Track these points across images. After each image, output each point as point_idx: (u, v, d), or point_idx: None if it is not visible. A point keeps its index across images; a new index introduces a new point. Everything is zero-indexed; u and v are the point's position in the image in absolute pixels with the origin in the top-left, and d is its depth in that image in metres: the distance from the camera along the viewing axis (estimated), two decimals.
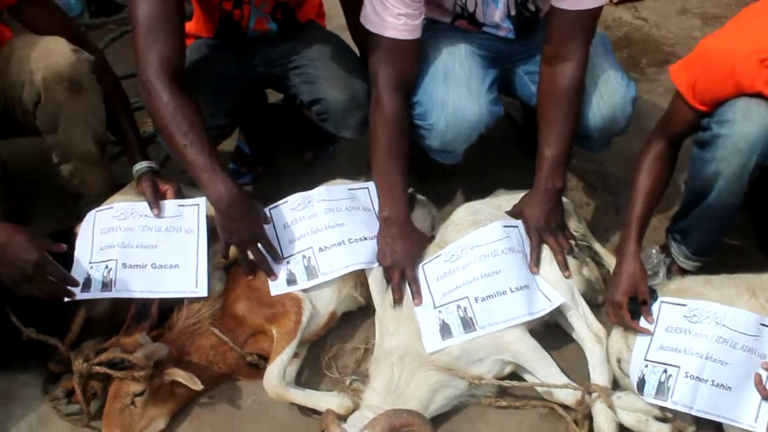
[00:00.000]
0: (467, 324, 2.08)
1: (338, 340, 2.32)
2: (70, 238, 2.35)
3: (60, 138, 2.33)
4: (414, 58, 2.21)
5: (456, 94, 2.18)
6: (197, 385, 2.04)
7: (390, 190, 2.23)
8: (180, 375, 2.05)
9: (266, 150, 2.89)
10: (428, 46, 2.23)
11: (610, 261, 2.37)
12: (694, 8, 3.47)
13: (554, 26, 2.15)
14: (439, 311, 2.11)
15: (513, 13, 2.26)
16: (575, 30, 2.13)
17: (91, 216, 2.33)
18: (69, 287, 2.11)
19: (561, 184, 2.23)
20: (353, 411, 2.05)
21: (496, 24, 2.29)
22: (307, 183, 2.70)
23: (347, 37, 2.62)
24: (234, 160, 2.85)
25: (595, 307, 2.26)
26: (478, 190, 2.56)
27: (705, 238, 2.24)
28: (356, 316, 2.35)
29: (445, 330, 2.09)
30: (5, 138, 2.51)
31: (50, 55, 2.19)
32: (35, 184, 2.80)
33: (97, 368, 2.06)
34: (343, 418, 2.00)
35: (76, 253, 2.27)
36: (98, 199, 2.51)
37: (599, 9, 2.12)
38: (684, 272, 2.33)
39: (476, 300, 2.10)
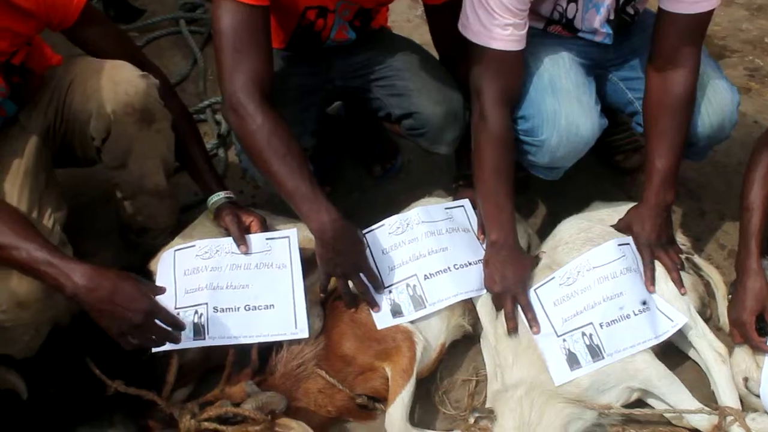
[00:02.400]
0: (595, 352, 1.97)
1: (446, 372, 2.19)
2: (144, 275, 2.20)
3: (130, 174, 2.16)
4: (520, 70, 2.08)
5: (567, 108, 2.06)
6: None
7: (497, 212, 2.10)
8: (294, 427, 1.91)
9: (331, 167, 2.74)
10: (528, 55, 2.09)
11: (711, 274, 2.28)
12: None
13: (665, 31, 2.03)
14: (564, 340, 2.00)
15: (612, 17, 2.14)
16: (688, 35, 2.02)
17: (169, 255, 2.16)
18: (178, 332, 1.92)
19: (672, 198, 2.13)
20: None
21: (593, 29, 2.17)
22: (379, 198, 2.61)
23: None
24: None
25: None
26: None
27: None
28: (459, 344, 2.22)
29: (573, 360, 1.97)
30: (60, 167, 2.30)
31: (120, 84, 2.00)
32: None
33: (206, 424, 1.91)
34: None
35: (157, 298, 2.11)
36: (165, 232, 2.35)
37: (712, 12, 2.02)
38: None
39: (601, 326, 1.99)
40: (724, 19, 3.24)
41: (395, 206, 2.37)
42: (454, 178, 2.41)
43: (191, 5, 3.46)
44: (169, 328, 1.88)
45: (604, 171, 2.67)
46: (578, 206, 2.35)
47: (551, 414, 1.93)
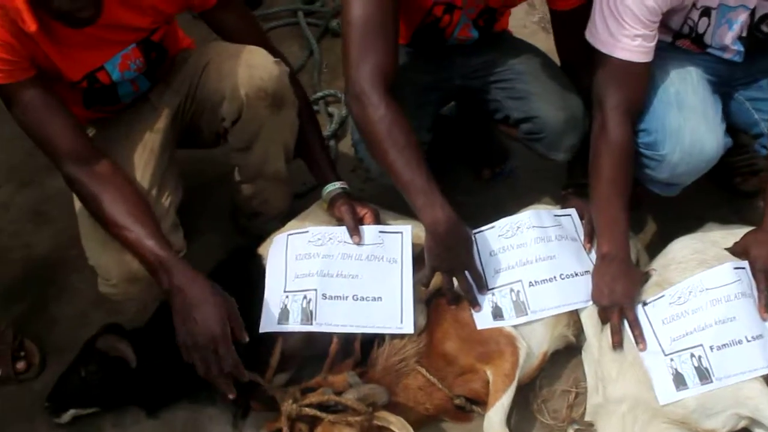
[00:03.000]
0: (703, 375, 1.93)
1: (546, 382, 2.18)
2: (254, 258, 2.26)
3: (253, 157, 2.21)
4: (645, 82, 2.06)
5: (693, 124, 2.02)
6: None
7: (612, 224, 2.08)
8: (393, 420, 1.93)
9: (439, 167, 2.75)
10: (654, 68, 2.06)
11: None
12: None
13: None
14: (671, 359, 1.96)
15: (744, 34, 2.09)
16: None
17: (282, 239, 2.21)
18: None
19: None
20: None
21: (724, 46, 2.12)
22: (486, 202, 2.60)
23: None
24: None
25: None
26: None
27: None
28: (561, 355, 2.21)
29: (680, 380, 1.94)
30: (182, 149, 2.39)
31: (255, 68, 2.05)
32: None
33: (307, 410, 1.95)
34: None
35: (268, 280, 2.16)
36: (276, 218, 2.40)
37: None
38: None
39: (711, 349, 1.94)
40: None
41: (502, 212, 2.35)
42: (564, 186, 2.38)
43: None
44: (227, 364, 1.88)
45: (720, 193, 2.60)
46: (690, 227, 2.29)
47: None
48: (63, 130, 1.93)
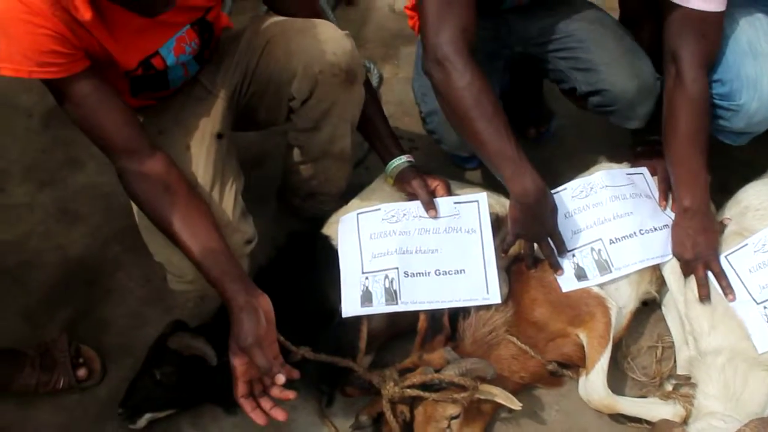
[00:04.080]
0: None
1: (630, 340, 2.18)
2: (322, 241, 2.19)
3: (321, 136, 2.12)
4: (720, 32, 2.03)
5: None
6: (516, 404, 1.90)
7: (692, 178, 2.06)
8: (497, 392, 1.91)
9: None
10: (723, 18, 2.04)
11: None
12: None
13: None
14: (765, 307, 1.97)
15: None
16: None
17: (352, 218, 2.15)
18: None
19: None
20: (686, 419, 1.93)
21: None
22: (534, 163, 2.56)
23: None
24: None
25: None
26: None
27: None
28: (641, 312, 2.20)
29: None
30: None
31: (326, 43, 1.95)
32: None
33: (409, 392, 1.91)
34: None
35: (343, 263, 2.10)
36: (335, 198, 2.33)
37: None
38: None
39: None
40: None
41: (554, 171, 2.34)
42: (632, 144, 2.35)
43: None
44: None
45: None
46: (750, 175, 2.29)
47: (756, 382, 1.92)
48: (119, 124, 1.80)
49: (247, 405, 1.80)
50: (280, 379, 1.76)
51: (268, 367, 1.74)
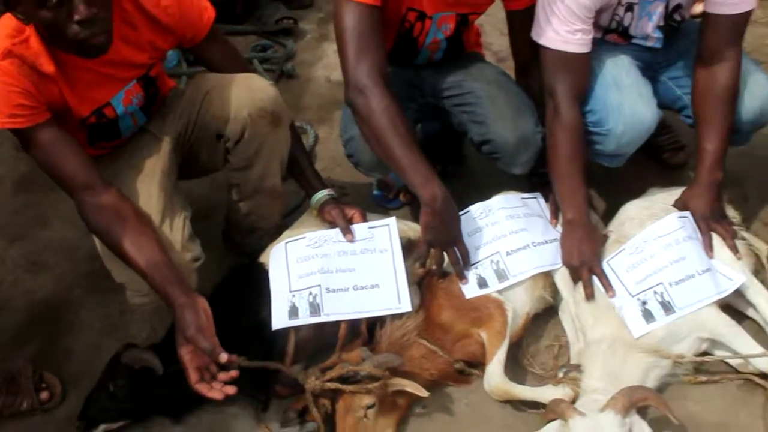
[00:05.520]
0: (667, 307, 2.24)
1: (531, 340, 2.45)
2: (256, 268, 2.48)
3: (254, 173, 2.44)
4: (588, 70, 2.40)
5: (630, 100, 2.36)
6: (423, 392, 2.16)
7: (573, 194, 2.40)
8: (406, 383, 2.17)
9: None
10: (592, 59, 2.41)
11: (759, 246, 2.53)
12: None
13: (711, 31, 2.35)
14: (638, 299, 2.27)
15: (661, 24, 2.47)
16: (731, 32, 2.34)
17: (281, 247, 2.44)
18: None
19: (721, 176, 2.41)
20: (574, 399, 2.19)
21: (646, 35, 2.50)
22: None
23: None
24: (380, 187, 2.98)
25: None
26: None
27: None
28: (541, 317, 2.49)
29: (648, 315, 2.24)
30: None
31: (254, 91, 2.31)
32: None
33: (329, 384, 2.16)
34: None
35: (273, 284, 2.38)
36: (270, 232, 2.63)
37: (750, 12, 2.35)
38: None
39: (670, 285, 2.26)
40: (749, 36, 3.53)
41: (462, 204, 2.61)
42: (528, 176, 2.66)
43: (262, 47, 3.81)
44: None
45: (655, 168, 2.97)
46: (635, 196, 2.62)
47: (633, 362, 2.19)
48: (77, 165, 2.15)
49: (202, 388, 2.05)
50: (223, 357, 2.02)
51: (211, 348, 2.01)
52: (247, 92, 2.31)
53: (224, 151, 2.41)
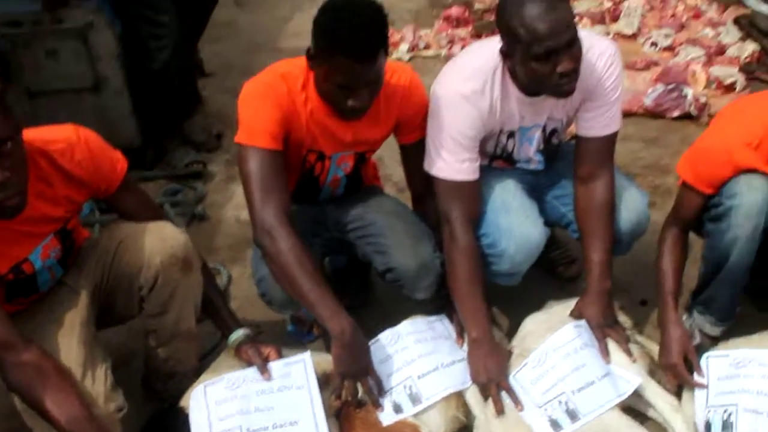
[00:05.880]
0: (572, 415, 2.37)
1: None
2: (176, 413, 2.52)
3: (169, 318, 2.51)
4: (478, 196, 2.60)
5: (518, 221, 2.56)
6: None
7: (475, 314, 2.54)
8: None
9: None
10: (481, 185, 2.62)
11: (650, 347, 2.70)
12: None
13: (584, 152, 2.60)
14: (545, 409, 2.39)
15: (541, 147, 2.71)
16: (602, 152, 2.60)
17: (200, 390, 2.48)
18: None
19: (610, 285, 2.61)
20: None
21: (528, 159, 2.73)
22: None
23: None
24: (294, 322, 3.07)
25: None
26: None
27: (726, 303, 2.63)
28: None
29: (555, 424, 2.37)
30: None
31: (166, 239, 2.41)
32: None
33: None
34: None
35: (194, 429, 2.42)
36: (188, 375, 2.67)
37: (617, 132, 2.61)
38: (711, 339, 2.69)
39: (573, 392, 2.40)
40: (624, 149, 3.85)
41: (371, 335, 2.70)
42: (431, 299, 2.78)
43: (172, 191, 3.93)
44: None
45: (552, 282, 3.16)
46: (535, 311, 2.78)
47: None
48: None
49: None
50: None
51: None
52: (158, 241, 2.41)
53: (139, 298, 2.49)
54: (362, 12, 2.31)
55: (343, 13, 2.30)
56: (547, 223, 2.73)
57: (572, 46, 2.31)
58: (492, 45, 2.50)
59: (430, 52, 5.17)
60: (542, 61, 2.30)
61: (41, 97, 3.81)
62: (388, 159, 3.69)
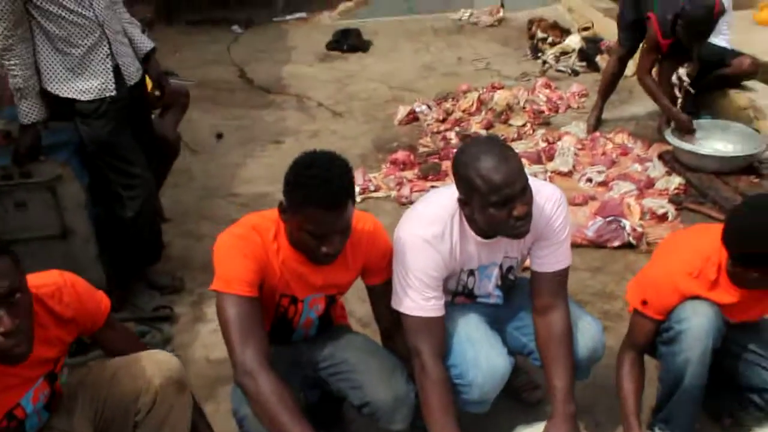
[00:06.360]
0: None
1: None
2: None
3: None
4: (444, 329, 2.77)
5: (484, 352, 2.73)
6: None
7: None
8: None
9: None
10: (446, 320, 2.79)
11: None
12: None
13: (539, 286, 2.82)
14: None
15: (499, 283, 2.91)
16: (556, 285, 2.82)
17: None
18: None
19: (574, 409, 2.77)
20: None
21: (487, 294, 2.93)
22: None
23: None
24: None
25: None
26: None
27: (685, 420, 2.83)
28: None
29: None
30: None
31: (161, 362, 2.55)
32: None
33: None
34: None
35: None
36: None
37: (568, 267, 2.83)
38: None
39: None
40: (572, 278, 4.02)
41: None
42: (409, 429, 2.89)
43: (140, 333, 3.95)
44: None
45: (518, 407, 3.31)
46: None
47: None
48: None
49: None
50: None
51: None
52: (155, 364, 2.54)
53: (134, 425, 2.56)
54: (330, 166, 2.54)
55: (312, 169, 2.53)
56: (510, 352, 2.91)
57: (525, 193, 2.57)
58: (448, 193, 2.76)
59: (380, 194, 5.42)
60: (499, 207, 2.55)
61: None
62: (351, 296, 3.80)
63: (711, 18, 5.20)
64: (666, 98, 5.64)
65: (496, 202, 2.54)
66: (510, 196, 2.52)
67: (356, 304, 3.76)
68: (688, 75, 5.65)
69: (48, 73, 3.70)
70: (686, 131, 5.53)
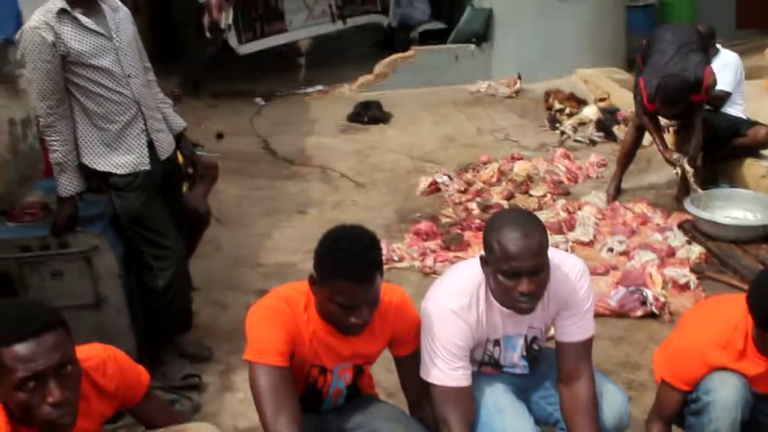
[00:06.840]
0: None
1: None
2: None
3: None
4: (472, 399, 2.83)
5: (512, 422, 2.78)
6: None
7: None
8: None
9: None
10: (474, 390, 2.85)
11: None
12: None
13: (564, 356, 2.87)
14: None
15: (524, 353, 2.97)
16: (581, 355, 2.88)
17: None
18: None
19: None
20: None
21: (513, 364, 2.99)
22: None
23: None
24: None
25: None
26: None
27: None
28: None
29: None
30: None
31: None
32: None
33: None
34: None
35: None
36: None
37: (593, 337, 2.89)
38: None
39: None
40: (595, 348, 4.04)
41: None
42: None
43: (170, 401, 3.97)
44: None
45: None
46: None
47: None
48: None
49: None
50: None
51: None
52: None
53: None
54: (358, 240, 2.65)
55: (342, 242, 2.64)
56: (536, 422, 2.95)
57: (537, 273, 2.65)
58: (474, 264, 2.85)
59: (404, 264, 5.49)
60: (508, 276, 2.65)
61: None
62: (376, 366, 3.88)
63: (682, 90, 5.45)
64: (661, 136, 5.92)
65: (505, 271, 2.64)
66: (519, 270, 2.62)
67: (383, 374, 3.80)
68: (693, 149, 5.80)
69: (86, 148, 3.86)
70: (672, 166, 5.83)
